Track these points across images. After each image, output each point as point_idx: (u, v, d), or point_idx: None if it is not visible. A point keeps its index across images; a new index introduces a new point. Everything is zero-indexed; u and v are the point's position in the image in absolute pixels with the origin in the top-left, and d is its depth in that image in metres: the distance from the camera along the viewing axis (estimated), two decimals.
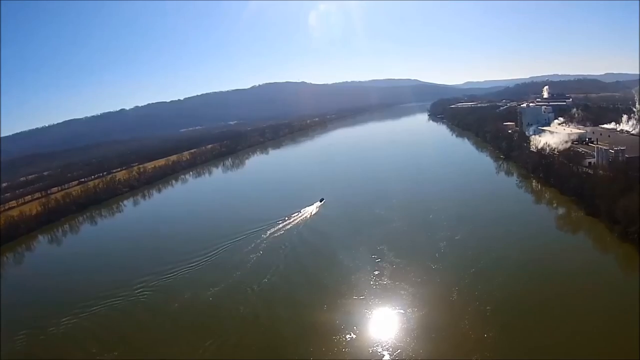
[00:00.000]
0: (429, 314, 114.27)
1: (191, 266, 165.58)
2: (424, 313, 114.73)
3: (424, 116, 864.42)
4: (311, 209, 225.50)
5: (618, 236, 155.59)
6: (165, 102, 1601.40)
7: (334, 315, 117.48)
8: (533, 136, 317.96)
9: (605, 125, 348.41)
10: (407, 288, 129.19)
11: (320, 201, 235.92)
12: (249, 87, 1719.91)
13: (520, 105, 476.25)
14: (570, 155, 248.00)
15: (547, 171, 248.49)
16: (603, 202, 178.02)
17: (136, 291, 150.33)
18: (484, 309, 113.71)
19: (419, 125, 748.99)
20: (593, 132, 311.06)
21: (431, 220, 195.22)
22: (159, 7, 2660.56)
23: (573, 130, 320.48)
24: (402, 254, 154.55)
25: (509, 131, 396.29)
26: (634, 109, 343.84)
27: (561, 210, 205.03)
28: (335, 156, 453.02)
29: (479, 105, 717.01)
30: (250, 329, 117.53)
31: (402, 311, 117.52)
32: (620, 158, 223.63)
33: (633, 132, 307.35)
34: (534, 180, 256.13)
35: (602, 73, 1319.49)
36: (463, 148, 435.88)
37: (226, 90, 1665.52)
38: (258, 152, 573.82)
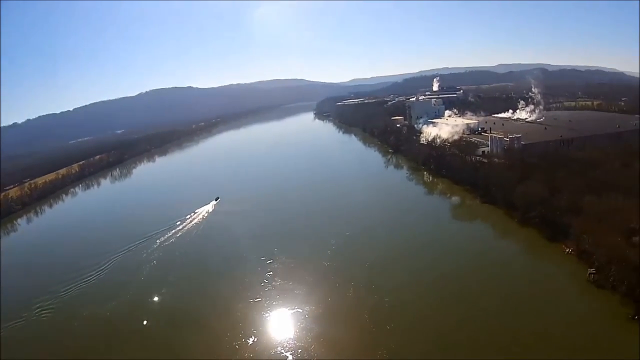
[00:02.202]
0: (328, 311, 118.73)
1: (86, 281, 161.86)
2: (322, 311, 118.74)
3: (310, 115, 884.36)
4: (207, 207, 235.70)
5: (518, 222, 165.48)
6: (56, 113, 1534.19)
7: (232, 321, 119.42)
8: (424, 128, 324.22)
9: (499, 115, 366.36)
10: (301, 287, 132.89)
11: (216, 200, 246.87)
12: (135, 94, 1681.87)
13: (409, 99, 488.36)
14: (462, 145, 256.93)
15: (438, 162, 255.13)
16: (500, 189, 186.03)
17: (35, 312, 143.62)
18: (382, 302, 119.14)
19: (305, 125, 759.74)
20: (486, 122, 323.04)
21: (318, 216, 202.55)
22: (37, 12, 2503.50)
23: (464, 121, 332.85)
24: (294, 252, 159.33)
25: (398, 125, 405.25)
26: (529, 98, 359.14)
27: (456, 199, 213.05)
28: (223, 159, 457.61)
29: (365, 101, 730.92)
30: (150, 343, 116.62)
31: (299, 310, 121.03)
32: (516, 145, 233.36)
33: (529, 119, 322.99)
34: (425, 172, 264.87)
35: (495, 64, 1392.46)
36: (350, 145, 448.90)
37: (114, 98, 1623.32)
38: (145, 161, 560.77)
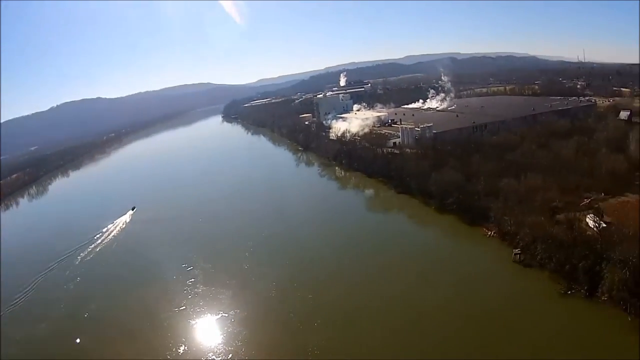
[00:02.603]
0: (253, 313, 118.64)
1: (13, 304, 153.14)
2: (247, 314, 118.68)
3: (218, 118, 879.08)
4: (125, 218, 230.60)
5: (436, 209, 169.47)
6: None
7: (161, 331, 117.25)
8: (333, 124, 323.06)
9: (409, 106, 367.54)
10: (224, 292, 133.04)
11: (132, 209, 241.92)
12: (47, 108, 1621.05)
13: (316, 96, 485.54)
14: (373, 138, 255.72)
15: (349, 156, 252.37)
16: (414, 179, 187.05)
17: None
18: (305, 298, 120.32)
19: (213, 129, 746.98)
20: (396, 114, 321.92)
21: (232, 218, 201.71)
22: None
23: (374, 114, 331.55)
24: (213, 257, 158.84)
25: (306, 123, 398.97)
26: (439, 86, 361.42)
27: (371, 192, 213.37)
28: (136, 169, 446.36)
29: (272, 101, 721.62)
30: None
31: (225, 315, 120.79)
32: (427, 135, 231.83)
33: (439, 108, 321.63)
34: (337, 167, 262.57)
35: (402, 56, 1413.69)
36: (260, 145, 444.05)
37: (27, 114, 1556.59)
38: (60, 176, 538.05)
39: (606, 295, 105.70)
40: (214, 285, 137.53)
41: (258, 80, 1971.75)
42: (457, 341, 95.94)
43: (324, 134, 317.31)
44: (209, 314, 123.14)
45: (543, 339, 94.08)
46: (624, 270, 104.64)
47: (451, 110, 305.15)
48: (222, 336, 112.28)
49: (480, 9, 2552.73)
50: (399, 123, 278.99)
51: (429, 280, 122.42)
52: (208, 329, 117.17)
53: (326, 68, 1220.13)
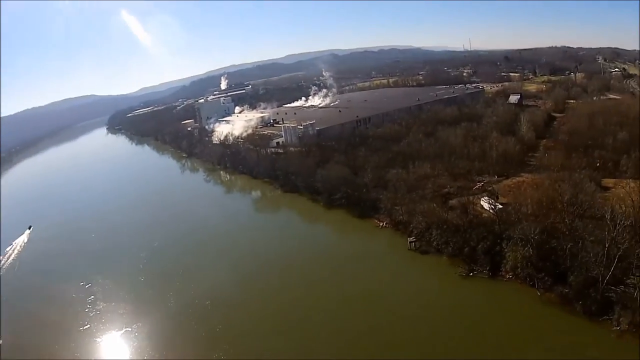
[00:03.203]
0: (156, 325, 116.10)
1: None
2: (151, 327, 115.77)
3: (103, 130, 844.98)
4: (23, 238, 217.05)
5: (324, 205, 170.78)
6: None
7: (69, 353, 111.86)
8: (216, 128, 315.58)
9: (292, 104, 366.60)
10: (124, 306, 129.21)
11: (29, 229, 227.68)
12: None
13: (197, 101, 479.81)
14: (256, 139, 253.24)
15: (233, 160, 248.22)
16: (299, 177, 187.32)
17: None
18: (203, 305, 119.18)
19: (98, 141, 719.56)
20: (277, 113, 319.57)
21: (122, 229, 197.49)
22: None
23: (256, 115, 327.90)
24: (108, 272, 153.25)
25: (189, 129, 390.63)
26: (321, 83, 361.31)
27: (257, 193, 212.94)
28: (26, 187, 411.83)
29: (155, 109, 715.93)
30: None
31: (129, 329, 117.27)
32: (310, 132, 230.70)
33: (321, 105, 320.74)
34: (222, 172, 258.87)
35: (283, 56, 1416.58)
36: (144, 155, 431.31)
37: None
38: None
39: (510, 273, 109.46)
40: (113, 300, 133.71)
41: (140, 89, 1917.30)
42: (358, 335, 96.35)
43: (207, 138, 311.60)
44: (112, 331, 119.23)
45: (452, 317, 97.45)
46: (526, 248, 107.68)
47: (334, 107, 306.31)
48: (129, 352, 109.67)
49: (358, 4, 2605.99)
50: (281, 122, 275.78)
51: (324, 277, 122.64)
52: (115, 346, 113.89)
53: (207, 72, 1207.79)
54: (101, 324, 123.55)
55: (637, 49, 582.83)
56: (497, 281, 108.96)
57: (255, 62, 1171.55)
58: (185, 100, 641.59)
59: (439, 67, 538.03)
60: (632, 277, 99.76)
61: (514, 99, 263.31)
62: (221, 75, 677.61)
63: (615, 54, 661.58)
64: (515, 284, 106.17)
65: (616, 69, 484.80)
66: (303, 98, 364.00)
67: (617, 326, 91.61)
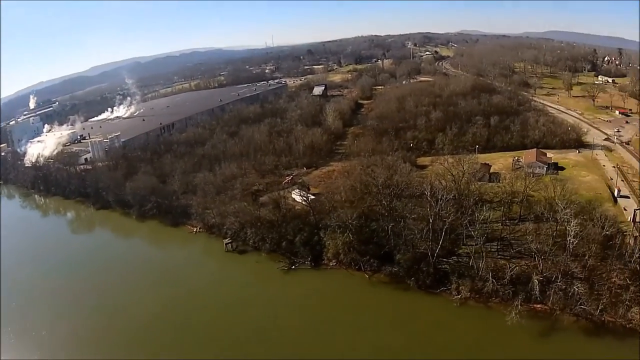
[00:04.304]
0: None
1: None
2: None
3: None
4: None
5: (137, 218, 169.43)
6: None
7: None
8: (27, 150, 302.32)
9: (98, 118, 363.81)
10: None
11: None
12: None
13: (9, 123, 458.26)
14: (65, 158, 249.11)
15: (45, 181, 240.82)
16: (109, 192, 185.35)
17: None
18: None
19: None
20: (84, 128, 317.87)
21: None
22: None
23: (63, 133, 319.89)
24: None
25: (2, 154, 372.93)
26: (124, 93, 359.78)
27: (71, 215, 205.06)
28: None
29: None
30: None
31: None
32: (116, 144, 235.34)
33: (125, 115, 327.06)
34: (36, 196, 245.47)
35: (88, 68, 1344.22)
36: None
37: None
38: None
39: (333, 261, 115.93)
40: None
41: None
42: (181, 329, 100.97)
43: (20, 162, 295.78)
44: None
45: (275, 309, 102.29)
46: (345, 234, 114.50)
47: (138, 116, 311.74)
48: None
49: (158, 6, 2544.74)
50: (88, 137, 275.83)
51: (145, 287, 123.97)
52: None
53: (17, 92, 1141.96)
54: None
55: (450, 31, 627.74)
56: (320, 270, 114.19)
57: (62, 76, 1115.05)
58: None
59: (241, 66, 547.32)
60: (463, 247, 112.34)
61: (318, 90, 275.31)
62: (29, 93, 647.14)
63: (426, 39, 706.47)
64: (340, 271, 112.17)
65: (427, 52, 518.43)
66: (109, 109, 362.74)
67: (458, 294, 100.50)
